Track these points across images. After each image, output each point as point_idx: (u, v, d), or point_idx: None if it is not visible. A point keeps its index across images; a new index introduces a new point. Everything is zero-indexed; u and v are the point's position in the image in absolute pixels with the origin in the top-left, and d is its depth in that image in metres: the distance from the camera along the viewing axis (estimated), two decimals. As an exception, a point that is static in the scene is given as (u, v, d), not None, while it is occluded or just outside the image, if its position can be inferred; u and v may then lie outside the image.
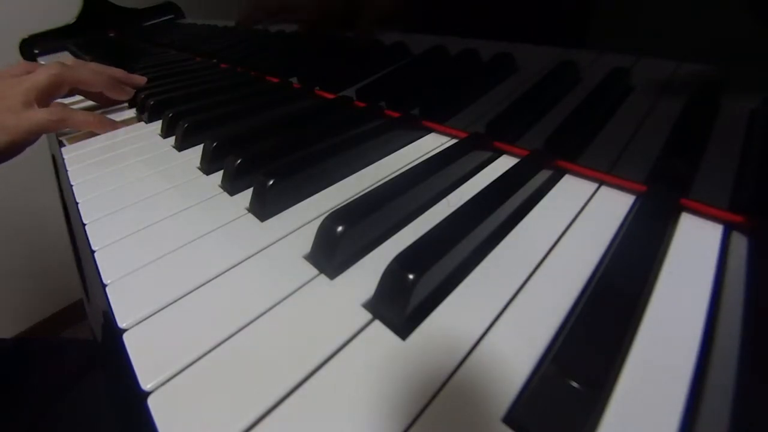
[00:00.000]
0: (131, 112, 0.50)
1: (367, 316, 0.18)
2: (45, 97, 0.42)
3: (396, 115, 0.38)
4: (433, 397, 0.14)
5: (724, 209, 0.22)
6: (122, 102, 0.52)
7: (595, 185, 0.26)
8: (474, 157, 0.29)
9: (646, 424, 0.13)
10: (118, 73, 0.52)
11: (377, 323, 0.17)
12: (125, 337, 0.18)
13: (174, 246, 0.23)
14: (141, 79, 0.54)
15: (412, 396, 0.14)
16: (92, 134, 0.43)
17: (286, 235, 0.24)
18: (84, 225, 0.27)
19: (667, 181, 0.23)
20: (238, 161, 0.29)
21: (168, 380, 0.16)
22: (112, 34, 1.14)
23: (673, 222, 0.22)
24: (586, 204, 0.24)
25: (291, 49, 0.54)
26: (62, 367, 0.42)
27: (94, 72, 0.47)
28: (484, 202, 0.22)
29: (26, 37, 1.01)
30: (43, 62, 0.92)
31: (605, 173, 0.26)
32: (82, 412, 0.37)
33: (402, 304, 0.17)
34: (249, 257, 0.22)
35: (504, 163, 0.30)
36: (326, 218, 0.21)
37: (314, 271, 0.21)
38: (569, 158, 0.27)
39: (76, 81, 0.45)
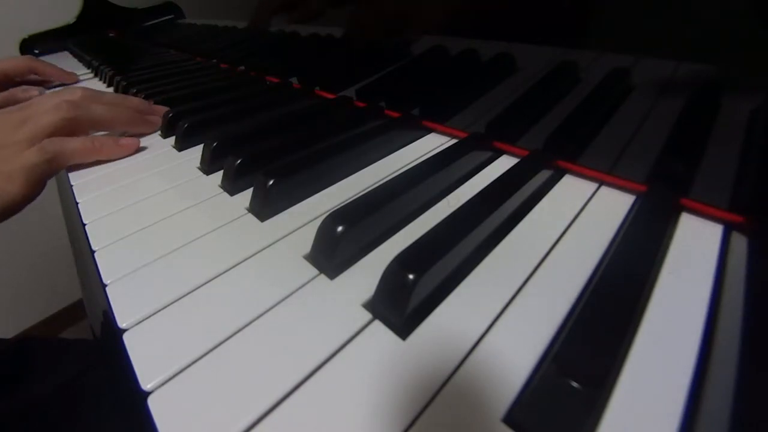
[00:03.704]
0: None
1: (367, 316, 0.18)
2: None
3: (396, 115, 0.38)
4: (433, 397, 0.14)
5: (724, 209, 0.22)
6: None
7: (595, 185, 0.26)
8: (474, 157, 0.29)
9: (646, 424, 0.13)
10: (138, 102, 0.44)
11: (377, 323, 0.17)
12: (125, 337, 0.18)
13: (174, 246, 0.23)
14: (163, 109, 0.45)
15: (412, 396, 0.14)
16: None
17: (286, 235, 0.24)
18: (84, 225, 0.27)
19: (667, 181, 0.23)
20: (238, 161, 0.29)
21: (168, 380, 0.16)
22: (112, 34, 1.14)
23: (673, 222, 0.22)
24: (586, 204, 0.24)
25: (291, 49, 0.54)
26: (62, 367, 0.42)
27: (110, 107, 0.39)
28: (484, 202, 0.22)
29: (26, 37, 1.01)
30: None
31: (605, 173, 0.26)
32: (82, 412, 0.37)
33: (402, 304, 0.17)
34: (249, 257, 0.22)
35: (504, 163, 0.30)
36: (326, 218, 0.21)
37: (314, 271, 0.21)
38: (569, 158, 0.27)
39: (90, 123, 0.37)
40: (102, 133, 0.40)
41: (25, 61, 0.57)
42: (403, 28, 0.37)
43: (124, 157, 0.37)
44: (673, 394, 0.14)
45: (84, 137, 0.36)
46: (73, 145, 0.34)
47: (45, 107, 0.36)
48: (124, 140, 0.38)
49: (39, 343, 0.46)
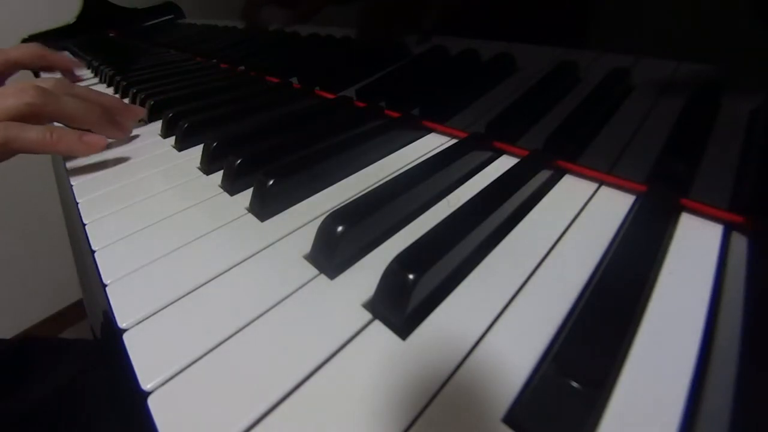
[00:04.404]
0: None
1: (367, 316, 0.18)
2: None
3: (396, 115, 0.38)
4: (433, 397, 0.14)
5: (724, 209, 0.22)
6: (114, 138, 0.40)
7: (595, 185, 0.26)
8: (474, 157, 0.29)
9: (646, 424, 0.13)
10: (113, 102, 0.41)
11: (377, 323, 0.17)
12: (125, 337, 0.18)
13: (174, 246, 0.23)
14: (141, 110, 0.44)
15: (411, 396, 0.14)
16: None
17: (286, 235, 0.24)
18: (84, 225, 0.27)
19: (667, 181, 0.23)
20: (238, 161, 0.29)
21: (168, 380, 0.16)
22: (112, 34, 1.14)
23: (673, 222, 0.22)
24: (586, 204, 0.24)
25: (291, 49, 0.54)
26: (62, 367, 0.42)
27: (82, 103, 0.36)
28: (484, 202, 0.22)
29: (26, 37, 1.01)
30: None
31: (605, 173, 0.26)
32: (82, 412, 0.37)
33: (402, 304, 0.17)
34: (249, 257, 0.22)
35: (504, 163, 0.30)
36: (326, 218, 0.21)
37: (314, 271, 0.21)
38: (569, 158, 0.27)
39: (57, 114, 0.35)
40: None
41: (35, 49, 0.56)
42: (403, 27, 0.37)
43: (87, 155, 0.36)
44: (673, 394, 0.14)
45: (43, 127, 0.33)
46: (30, 134, 0.32)
47: (10, 90, 0.33)
48: (89, 137, 0.35)
49: (39, 343, 0.46)
